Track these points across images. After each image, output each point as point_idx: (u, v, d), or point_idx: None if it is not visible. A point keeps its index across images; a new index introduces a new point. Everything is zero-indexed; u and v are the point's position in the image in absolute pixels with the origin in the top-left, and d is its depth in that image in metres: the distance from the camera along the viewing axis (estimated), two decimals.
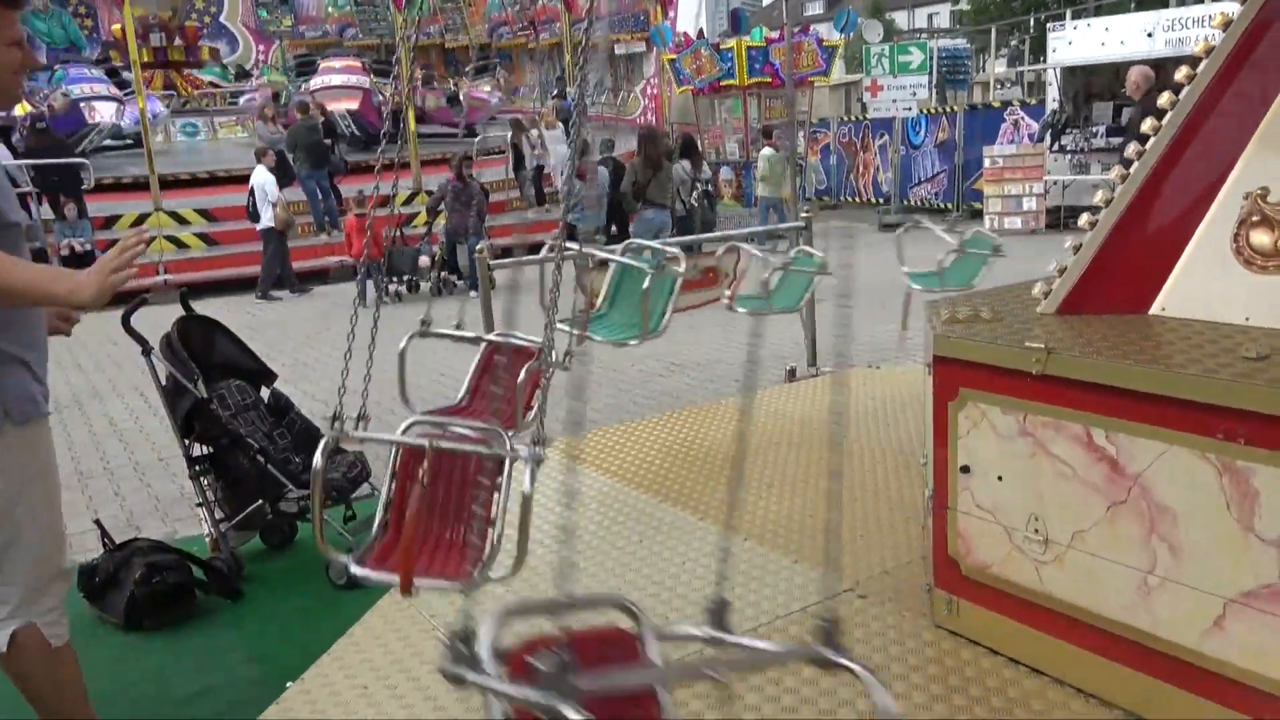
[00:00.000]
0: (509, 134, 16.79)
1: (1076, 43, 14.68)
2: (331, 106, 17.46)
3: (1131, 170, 2.60)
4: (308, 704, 2.67)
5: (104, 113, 16.74)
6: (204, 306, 4.28)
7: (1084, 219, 2.72)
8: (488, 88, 22.73)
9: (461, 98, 20.99)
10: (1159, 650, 2.24)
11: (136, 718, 3.01)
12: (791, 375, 6.13)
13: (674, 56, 17.41)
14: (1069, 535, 2.38)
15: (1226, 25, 2.51)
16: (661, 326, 3.68)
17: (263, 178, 12.15)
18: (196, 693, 3.08)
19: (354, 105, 17.92)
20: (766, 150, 14.54)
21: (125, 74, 18.82)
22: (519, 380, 2.65)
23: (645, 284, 3.58)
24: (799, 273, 4.91)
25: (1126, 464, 2.24)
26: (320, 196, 14.79)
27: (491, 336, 2.98)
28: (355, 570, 2.14)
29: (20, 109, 14.57)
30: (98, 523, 4.11)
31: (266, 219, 12.11)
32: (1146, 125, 2.63)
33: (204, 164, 17.47)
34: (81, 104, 16.58)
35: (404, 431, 2.33)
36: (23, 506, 2.35)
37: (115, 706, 3.08)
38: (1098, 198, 2.71)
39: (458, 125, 20.08)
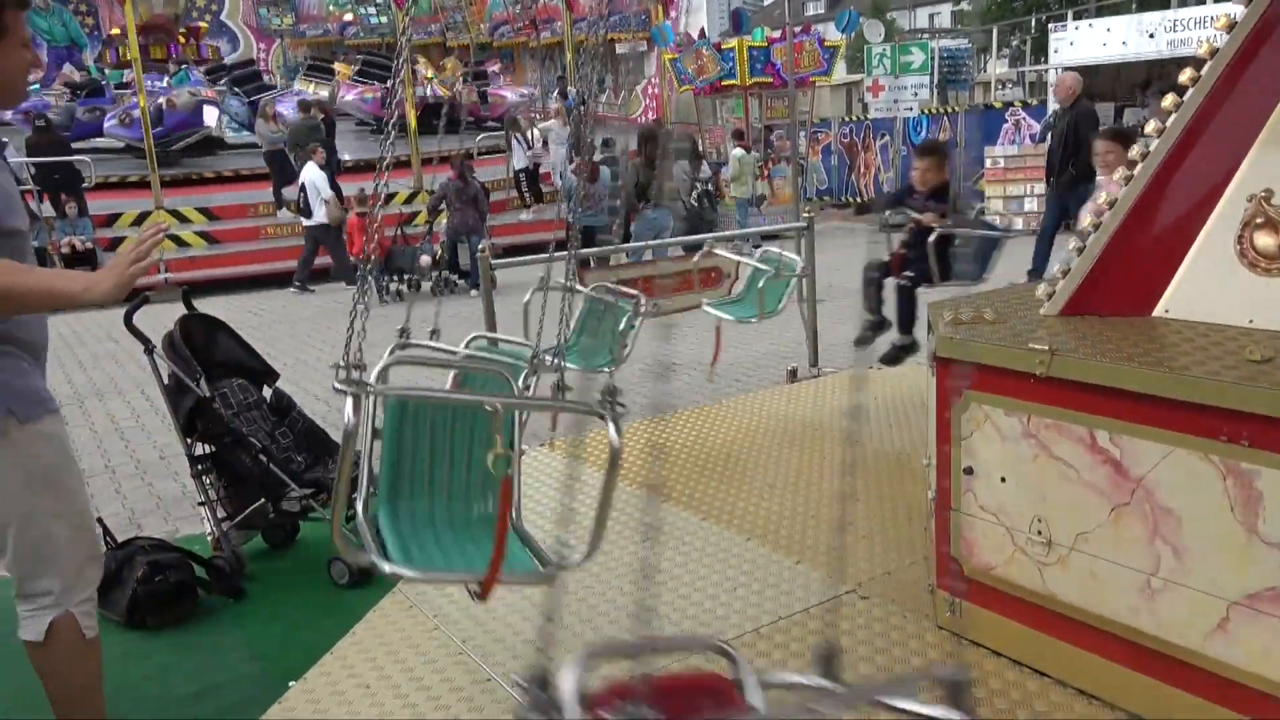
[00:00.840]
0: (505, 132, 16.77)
1: (1078, 43, 14.70)
2: None
3: (1135, 172, 2.60)
4: (310, 703, 2.67)
5: (209, 116, 17.81)
6: (206, 305, 4.27)
7: (1088, 220, 2.72)
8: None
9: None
10: (1162, 652, 2.24)
11: (139, 716, 3.01)
12: (793, 376, 6.13)
13: (675, 56, 17.40)
14: (1072, 537, 2.38)
15: (1230, 27, 2.50)
16: (627, 354, 4.09)
17: (314, 174, 12.32)
18: (199, 691, 3.08)
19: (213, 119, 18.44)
20: (737, 151, 14.67)
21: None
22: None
23: (620, 325, 3.98)
24: (770, 279, 5.01)
25: (1130, 466, 2.24)
26: None
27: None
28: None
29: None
30: (100, 521, 4.08)
31: (319, 215, 12.28)
32: (1150, 127, 2.63)
33: (207, 162, 17.50)
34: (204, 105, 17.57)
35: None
36: (47, 501, 2.39)
37: (118, 705, 3.08)
38: (1101, 199, 2.71)
39: (485, 119, 20.42)
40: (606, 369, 3.97)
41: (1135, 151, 2.64)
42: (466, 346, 2.85)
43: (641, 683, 1.28)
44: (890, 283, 5.06)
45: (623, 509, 3.87)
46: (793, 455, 4.40)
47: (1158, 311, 2.62)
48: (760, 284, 5.13)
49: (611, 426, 1.86)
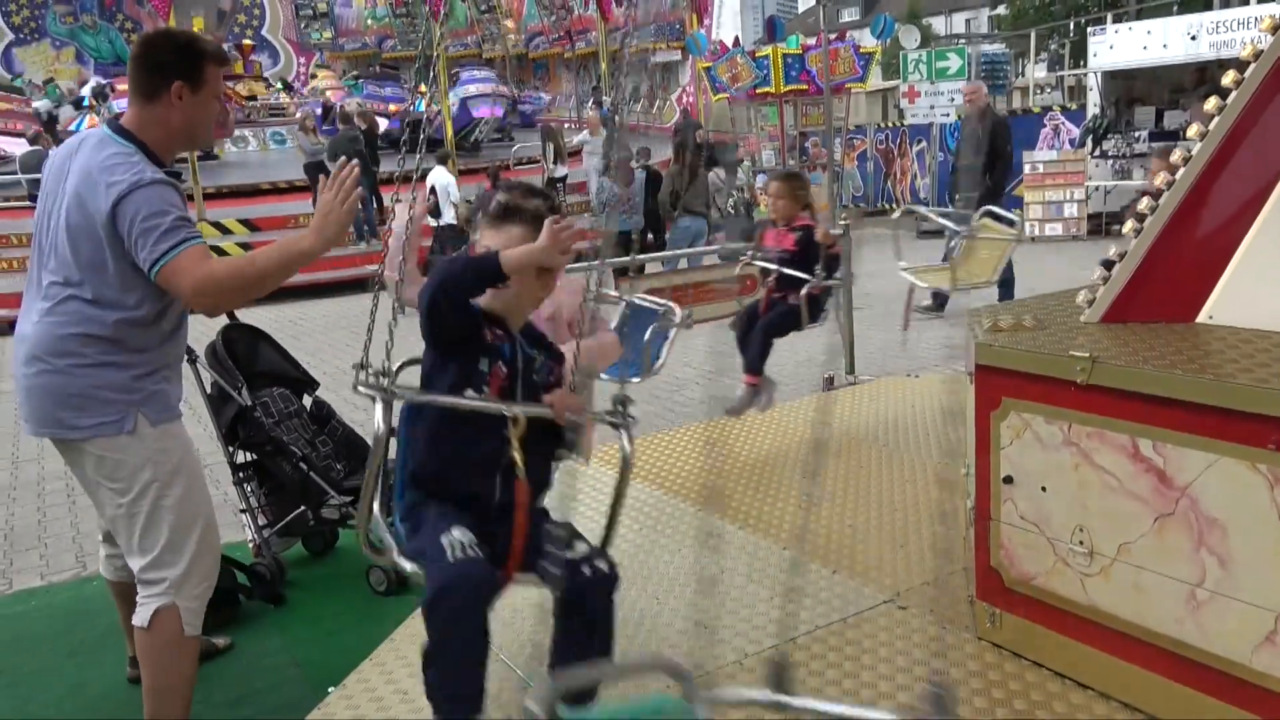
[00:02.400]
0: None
1: (1118, 46, 14.50)
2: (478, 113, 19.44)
3: (1178, 176, 2.57)
4: (350, 709, 2.69)
5: (483, 109, 19.27)
6: (247, 315, 4.34)
7: (1128, 226, 2.69)
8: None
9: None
10: (1208, 665, 2.20)
11: None
12: (829, 383, 6.10)
13: (710, 64, 17.41)
14: (1115, 547, 2.34)
15: (1276, 29, 2.46)
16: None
17: (445, 179, 13.02)
18: (240, 696, 3.12)
19: (499, 111, 19.96)
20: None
21: None
22: None
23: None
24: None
25: (1174, 475, 2.20)
26: (360, 207, 14.94)
27: None
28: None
29: None
30: None
31: (448, 216, 12.82)
32: (1192, 131, 2.59)
33: (252, 175, 17.78)
34: (469, 102, 19.04)
35: None
36: (170, 494, 2.62)
37: None
38: (1142, 204, 2.68)
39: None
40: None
41: (1178, 155, 2.60)
42: None
43: None
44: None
45: (660, 516, 3.87)
46: (828, 463, 4.37)
47: (1201, 318, 2.58)
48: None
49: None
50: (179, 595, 2.64)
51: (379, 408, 2.04)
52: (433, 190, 12.71)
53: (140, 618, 2.64)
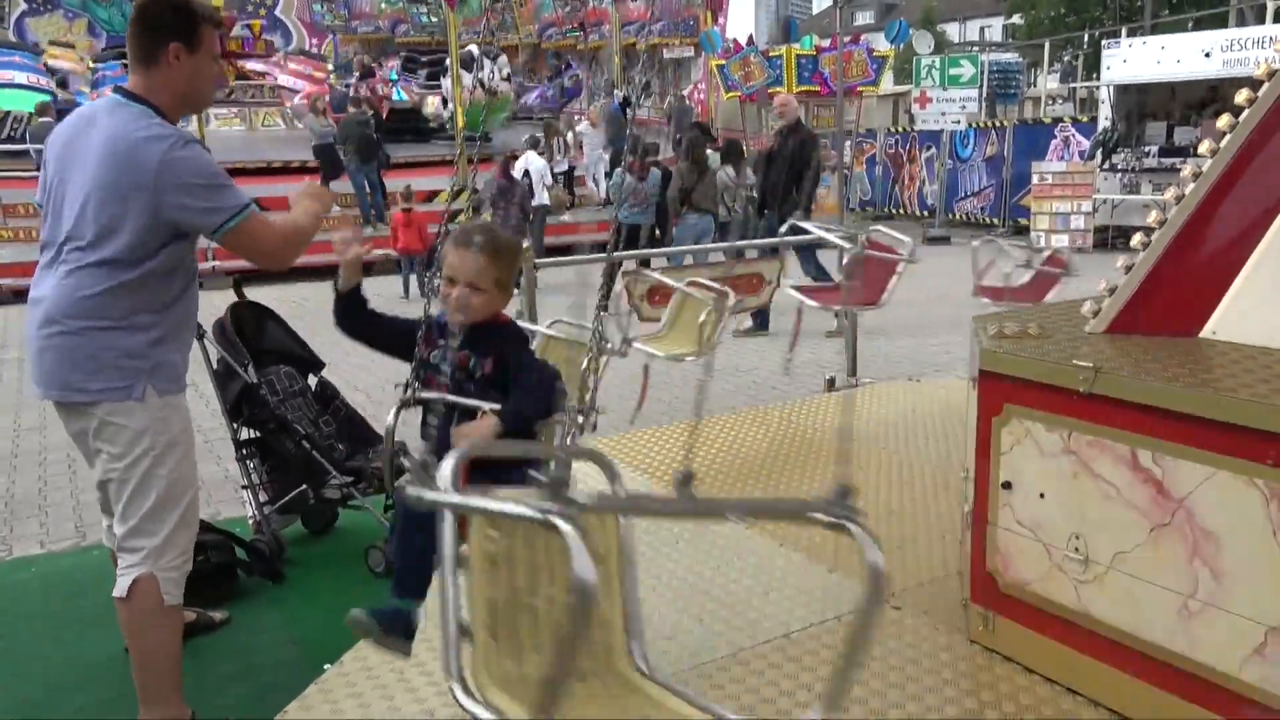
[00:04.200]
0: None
1: (1131, 61, 14.50)
2: None
3: (1188, 191, 2.59)
4: (346, 686, 2.72)
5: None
6: (255, 293, 4.36)
7: (1136, 239, 2.71)
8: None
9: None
10: (1197, 675, 2.23)
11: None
12: (831, 385, 6.12)
13: (722, 62, 17.42)
14: (1110, 555, 2.37)
15: None
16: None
17: (538, 162, 13.34)
18: (237, 671, 3.14)
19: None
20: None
21: None
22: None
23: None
24: None
25: (1172, 487, 2.22)
26: (368, 190, 14.97)
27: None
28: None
29: None
30: None
31: (541, 198, 13.09)
32: (1204, 148, 2.61)
33: (239, 155, 17.79)
34: None
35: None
36: (164, 465, 2.67)
37: None
38: (1151, 218, 2.70)
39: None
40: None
41: (1188, 171, 2.62)
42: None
43: None
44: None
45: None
46: (828, 464, 4.39)
47: (1205, 332, 2.60)
48: None
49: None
50: (156, 565, 2.67)
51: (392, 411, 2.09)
52: (526, 173, 12.96)
53: (119, 587, 2.68)
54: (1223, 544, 2.14)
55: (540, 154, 13.85)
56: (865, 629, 1.40)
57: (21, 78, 18.22)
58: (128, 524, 2.67)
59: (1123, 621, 2.37)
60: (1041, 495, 2.52)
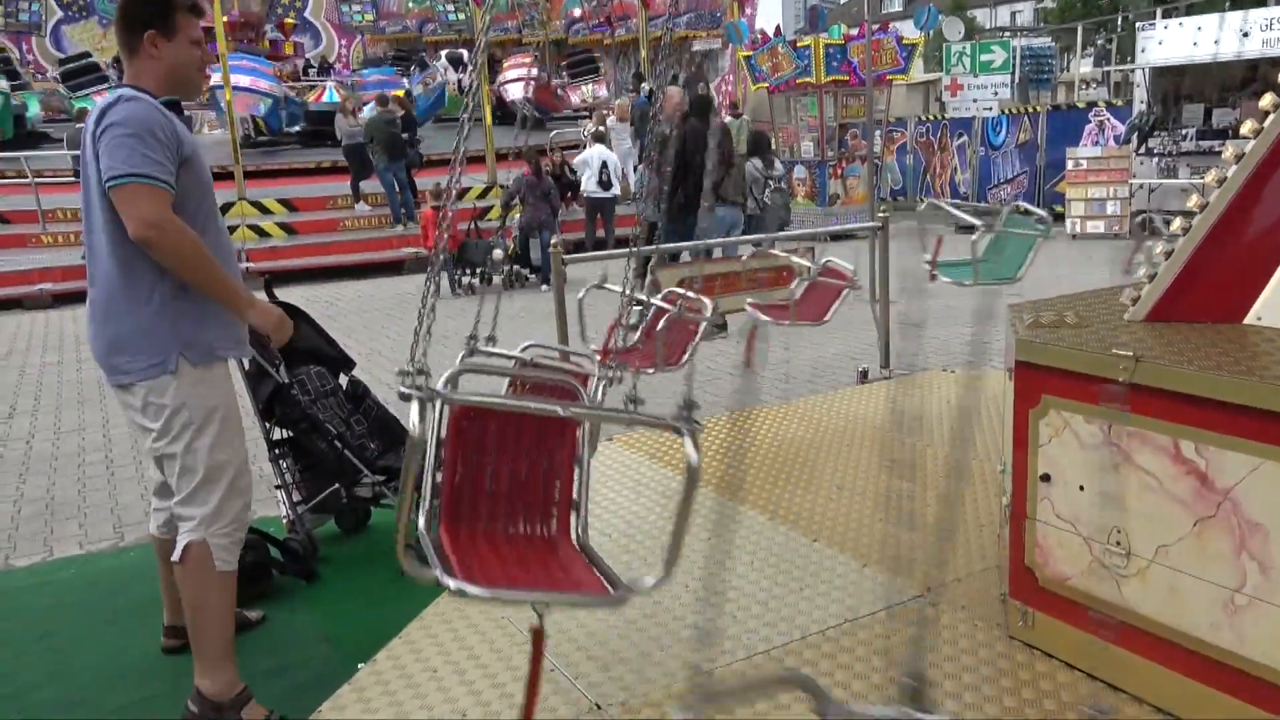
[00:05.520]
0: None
1: (1167, 42, 14.22)
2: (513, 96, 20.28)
3: (1229, 175, 2.52)
4: (379, 685, 2.72)
5: None
6: (285, 293, 4.38)
7: (1176, 224, 2.64)
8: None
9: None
10: (1245, 670, 2.17)
11: None
12: (864, 377, 6.06)
13: (750, 53, 17.30)
14: (1153, 549, 2.31)
15: None
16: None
17: (611, 155, 13.36)
18: (272, 669, 3.15)
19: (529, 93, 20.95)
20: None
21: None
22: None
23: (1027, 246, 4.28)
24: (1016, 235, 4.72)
25: (1216, 478, 2.16)
26: (397, 189, 15.03)
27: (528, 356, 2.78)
28: (452, 584, 1.88)
29: None
30: None
31: (615, 189, 13.24)
32: (1246, 128, 2.54)
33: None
34: None
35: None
36: (206, 436, 2.75)
37: (192, 677, 3.18)
38: (1192, 201, 2.63)
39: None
40: (1004, 284, 4.20)
41: (1229, 153, 2.55)
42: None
43: None
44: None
45: (698, 506, 3.86)
46: (862, 457, 4.35)
47: (1249, 319, 2.54)
48: (982, 245, 4.84)
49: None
50: (208, 531, 2.77)
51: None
52: (604, 165, 12.95)
53: (175, 553, 2.80)
54: (1271, 536, 2.08)
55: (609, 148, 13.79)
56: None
57: (246, 80, 18.55)
58: (180, 494, 2.79)
59: (1166, 616, 2.31)
60: (1081, 488, 2.46)
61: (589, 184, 12.77)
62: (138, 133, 2.55)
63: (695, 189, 7.85)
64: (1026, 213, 5.17)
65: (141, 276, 2.66)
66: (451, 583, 1.86)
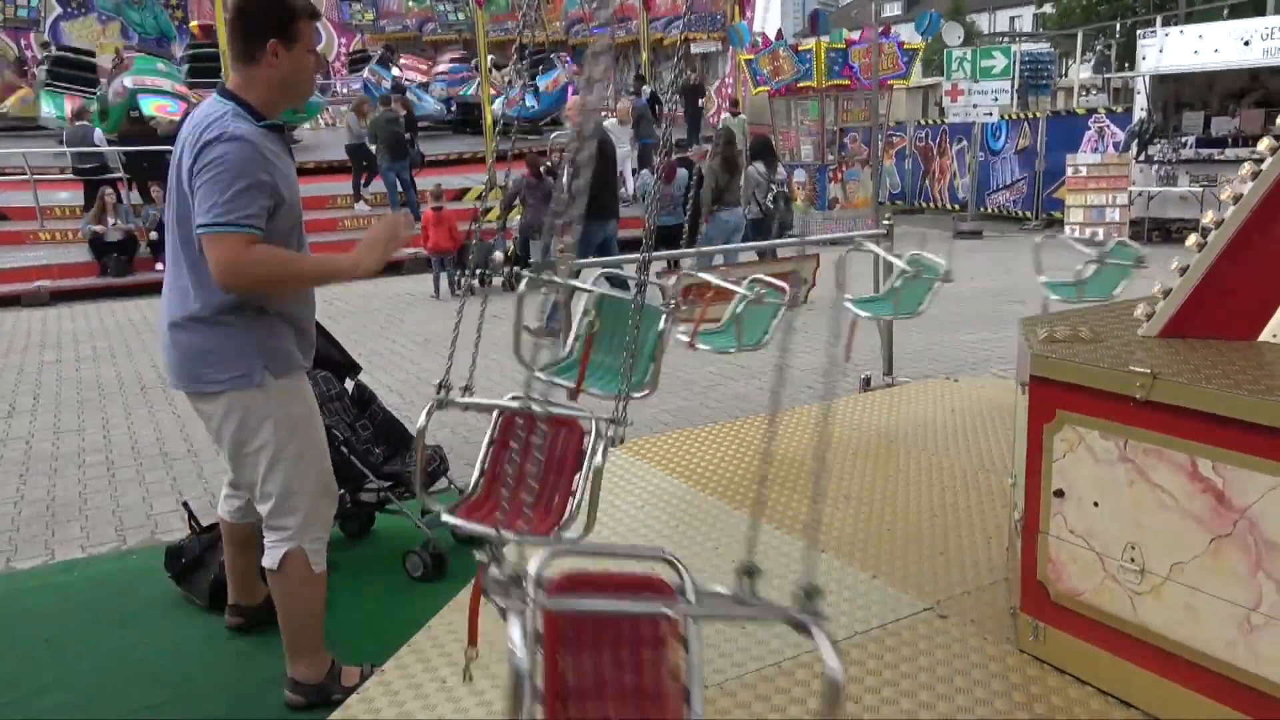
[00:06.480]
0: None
1: (1168, 50, 14.24)
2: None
3: (1246, 190, 2.51)
4: (388, 695, 2.70)
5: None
6: None
7: (1192, 239, 2.63)
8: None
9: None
10: (1260, 690, 2.16)
11: (216, 700, 3.09)
12: (866, 384, 6.06)
13: (751, 57, 17.31)
14: (1167, 566, 2.31)
15: None
16: (767, 340, 4.22)
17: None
18: (276, 676, 3.13)
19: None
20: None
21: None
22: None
23: (775, 317, 4.26)
24: (910, 280, 4.88)
25: (1234, 496, 2.16)
26: (400, 189, 15.02)
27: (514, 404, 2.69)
28: (447, 518, 2.33)
29: None
30: (185, 505, 4.23)
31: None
32: (1263, 145, 2.53)
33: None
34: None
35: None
36: (293, 446, 2.82)
37: (200, 684, 3.18)
38: (1207, 218, 2.63)
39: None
40: (731, 349, 4.23)
41: (1246, 170, 2.55)
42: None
43: (589, 576, 1.58)
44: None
45: (695, 511, 3.86)
46: (866, 465, 4.34)
47: (1265, 336, 2.53)
48: (899, 284, 5.03)
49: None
50: (303, 539, 2.87)
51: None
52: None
53: (270, 560, 2.89)
54: None
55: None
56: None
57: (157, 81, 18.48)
58: (269, 503, 2.86)
59: (1180, 634, 2.31)
60: (1095, 504, 2.46)
61: None
62: (236, 179, 2.56)
63: (597, 195, 7.97)
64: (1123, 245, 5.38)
65: (237, 297, 2.71)
66: (447, 517, 2.20)
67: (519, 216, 12.08)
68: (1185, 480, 2.25)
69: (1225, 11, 24.36)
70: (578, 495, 2.56)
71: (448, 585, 3.58)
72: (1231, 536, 2.18)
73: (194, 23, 23.57)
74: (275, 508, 2.85)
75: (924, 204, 19.52)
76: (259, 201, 2.60)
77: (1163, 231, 14.52)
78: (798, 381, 7.08)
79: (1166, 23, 17.95)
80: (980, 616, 2.95)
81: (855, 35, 16.92)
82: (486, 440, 2.73)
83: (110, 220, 13.26)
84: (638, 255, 3.27)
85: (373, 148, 14.83)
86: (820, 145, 16.72)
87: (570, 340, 3.66)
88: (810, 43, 16.57)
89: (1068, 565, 2.55)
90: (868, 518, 3.75)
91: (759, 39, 17.81)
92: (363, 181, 15.77)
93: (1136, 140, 14.86)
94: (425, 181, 14.24)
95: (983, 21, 42.78)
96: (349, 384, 4.34)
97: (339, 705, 2.76)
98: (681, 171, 12.02)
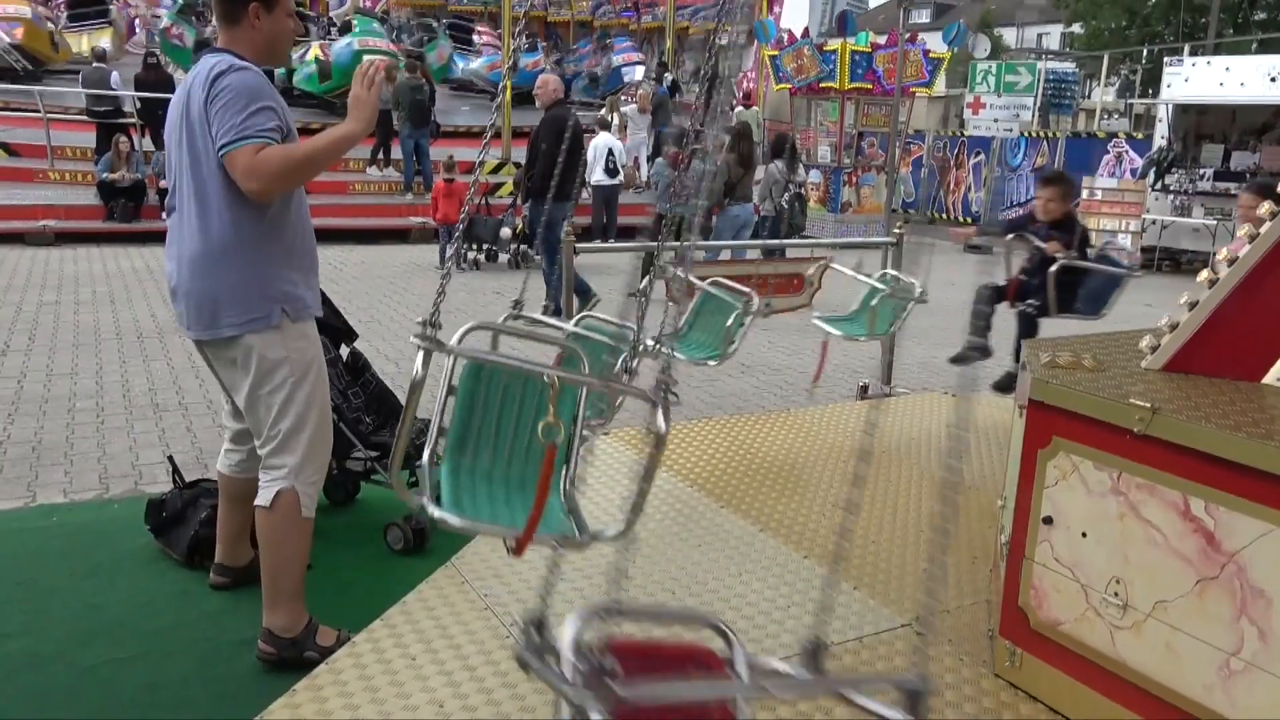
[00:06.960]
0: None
1: (1193, 80, 14.18)
2: None
3: (1262, 231, 2.48)
4: (356, 668, 2.68)
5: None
6: None
7: (1204, 275, 2.60)
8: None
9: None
10: None
11: (190, 657, 3.07)
12: (864, 392, 6.03)
13: (775, 53, 17.21)
14: (1151, 604, 2.29)
15: None
16: (733, 350, 4.13)
17: (617, 144, 13.15)
18: (249, 640, 3.11)
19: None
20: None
21: None
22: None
23: (729, 320, 4.08)
24: (885, 298, 4.83)
25: (1224, 539, 2.14)
26: (415, 157, 14.94)
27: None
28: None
29: None
30: (170, 459, 4.21)
31: (620, 178, 13.15)
32: None
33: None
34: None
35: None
36: (304, 389, 2.92)
37: (172, 641, 3.16)
38: (1220, 255, 2.59)
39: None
40: (711, 362, 4.16)
41: (1265, 209, 2.51)
42: (576, 325, 3.29)
43: (638, 647, 1.45)
44: (1001, 308, 5.15)
45: (683, 509, 3.84)
46: (857, 475, 4.31)
47: (1269, 379, 2.51)
48: (874, 303, 4.92)
49: (659, 413, 1.83)
50: (297, 480, 2.93)
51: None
52: (610, 153, 12.72)
53: (263, 498, 2.94)
54: (1274, 604, 2.05)
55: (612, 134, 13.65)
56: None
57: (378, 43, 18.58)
58: (272, 443, 2.93)
59: (1158, 672, 2.29)
60: (1084, 534, 2.43)
61: (597, 173, 12.54)
62: (251, 101, 2.69)
63: (544, 178, 8.06)
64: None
65: (251, 236, 2.80)
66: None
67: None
68: (1176, 518, 2.22)
69: (1254, 46, 24.24)
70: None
71: (427, 561, 3.56)
72: (1218, 580, 2.16)
73: None
74: (277, 446, 2.92)
75: (937, 215, 19.45)
76: (273, 120, 2.73)
77: (1174, 262, 14.47)
78: (795, 383, 7.05)
79: (1194, 52, 17.83)
80: (958, 637, 2.93)
81: (881, 39, 16.82)
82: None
83: (122, 170, 13.20)
84: (645, 245, 3.26)
85: (396, 113, 14.74)
86: (838, 147, 16.64)
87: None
88: (836, 43, 16.47)
89: (1050, 594, 2.53)
90: (854, 527, 3.72)
91: (784, 35, 17.72)
92: (380, 153, 15.69)
93: (1154, 168, 14.81)
94: (438, 152, 14.16)
95: (1009, 36, 42.57)
96: (344, 350, 4.31)
97: (310, 665, 2.75)
98: (697, 162, 11.96)
